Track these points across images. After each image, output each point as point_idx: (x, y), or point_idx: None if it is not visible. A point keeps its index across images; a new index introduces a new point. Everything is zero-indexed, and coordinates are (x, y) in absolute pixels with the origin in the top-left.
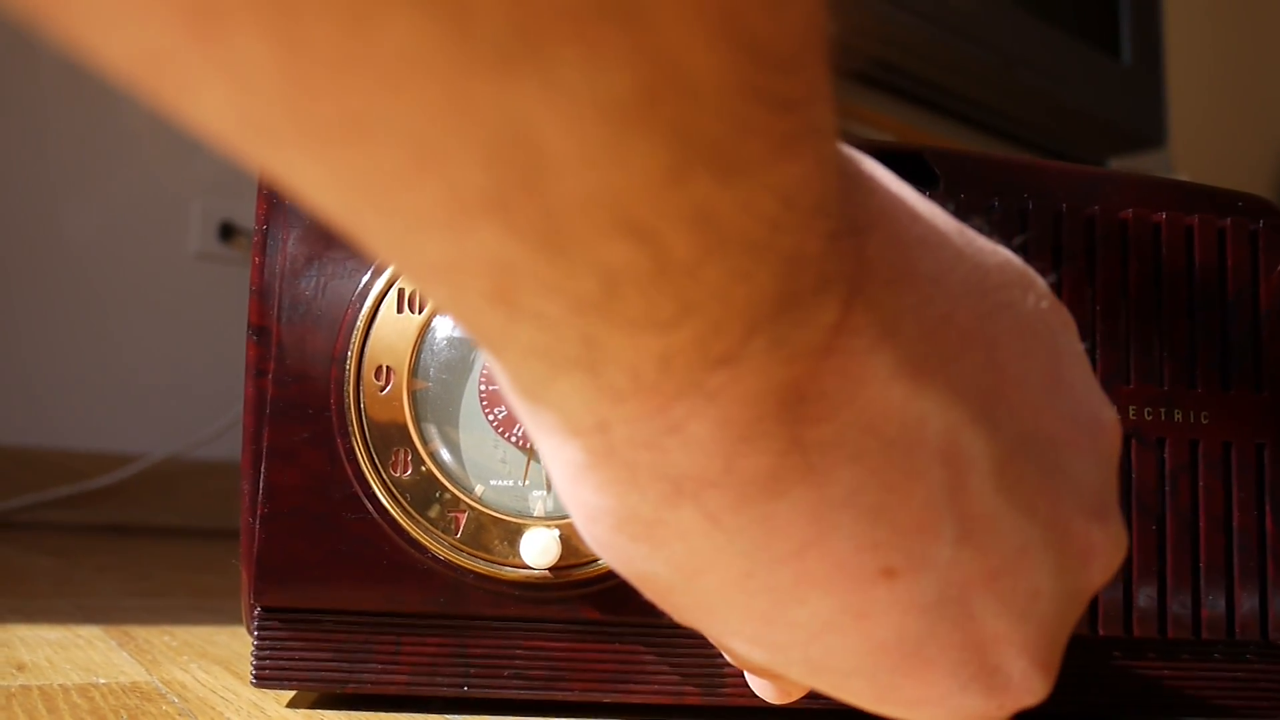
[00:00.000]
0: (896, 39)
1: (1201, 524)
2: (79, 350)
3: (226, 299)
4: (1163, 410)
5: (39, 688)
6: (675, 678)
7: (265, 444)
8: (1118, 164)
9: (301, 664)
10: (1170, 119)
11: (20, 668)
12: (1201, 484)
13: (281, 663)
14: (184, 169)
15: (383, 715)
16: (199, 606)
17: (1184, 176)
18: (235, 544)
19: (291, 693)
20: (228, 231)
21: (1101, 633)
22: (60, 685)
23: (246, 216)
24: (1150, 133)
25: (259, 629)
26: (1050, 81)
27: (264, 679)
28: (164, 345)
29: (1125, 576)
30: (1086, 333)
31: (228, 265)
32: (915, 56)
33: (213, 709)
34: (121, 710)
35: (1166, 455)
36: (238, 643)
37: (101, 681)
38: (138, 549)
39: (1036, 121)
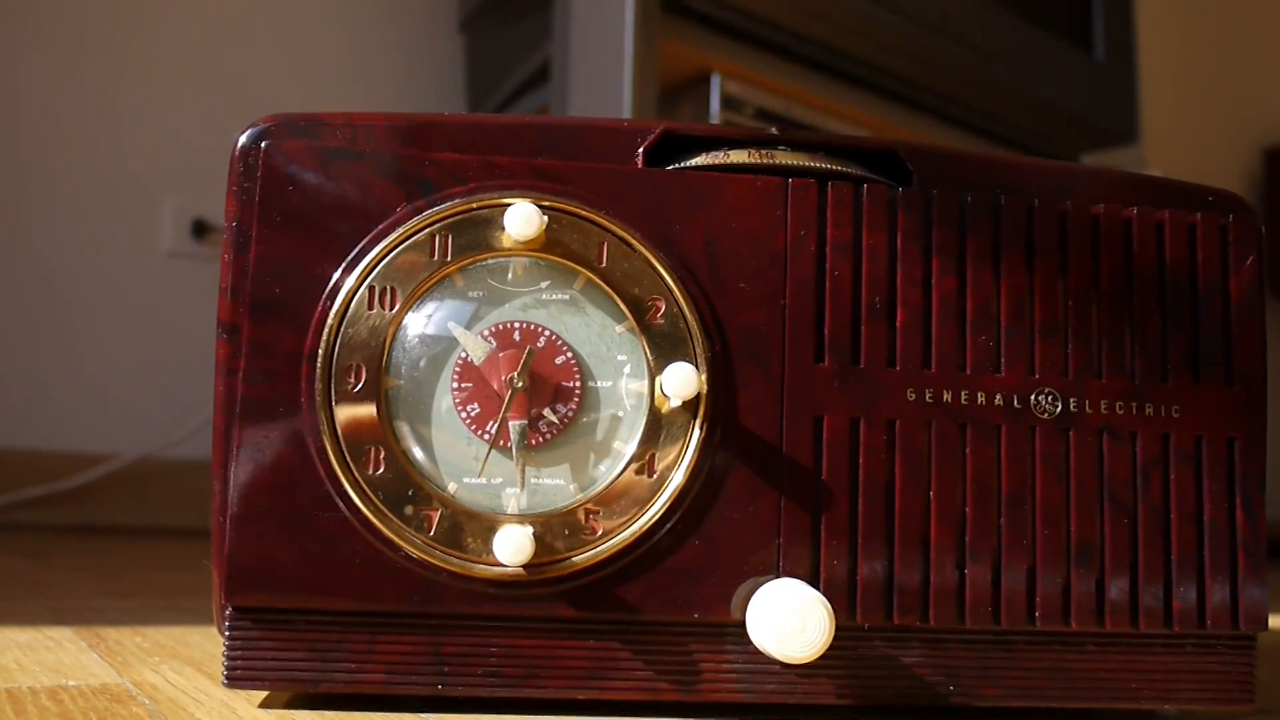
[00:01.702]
0: (873, 35)
1: (1173, 517)
2: (50, 350)
3: (199, 297)
4: (1134, 404)
5: (7, 690)
6: (650, 674)
7: (236, 443)
8: (1091, 160)
9: (274, 664)
10: (1143, 115)
11: None
12: (1173, 477)
13: (253, 663)
14: (156, 166)
15: (357, 715)
16: (172, 606)
17: (1157, 172)
18: (209, 543)
19: (264, 693)
20: (200, 229)
21: (1075, 626)
22: (29, 688)
23: (218, 213)
24: (1123, 128)
25: (230, 629)
26: (1025, 77)
27: (236, 679)
28: (136, 344)
29: (1099, 570)
30: (1059, 328)
31: (200, 263)
32: (892, 52)
33: (184, 710)
34: (91, 713)
35: (1138, 449)
36: (210, 643)
37: (71, 684)
38: (111, 549)
39: (1011, 117)
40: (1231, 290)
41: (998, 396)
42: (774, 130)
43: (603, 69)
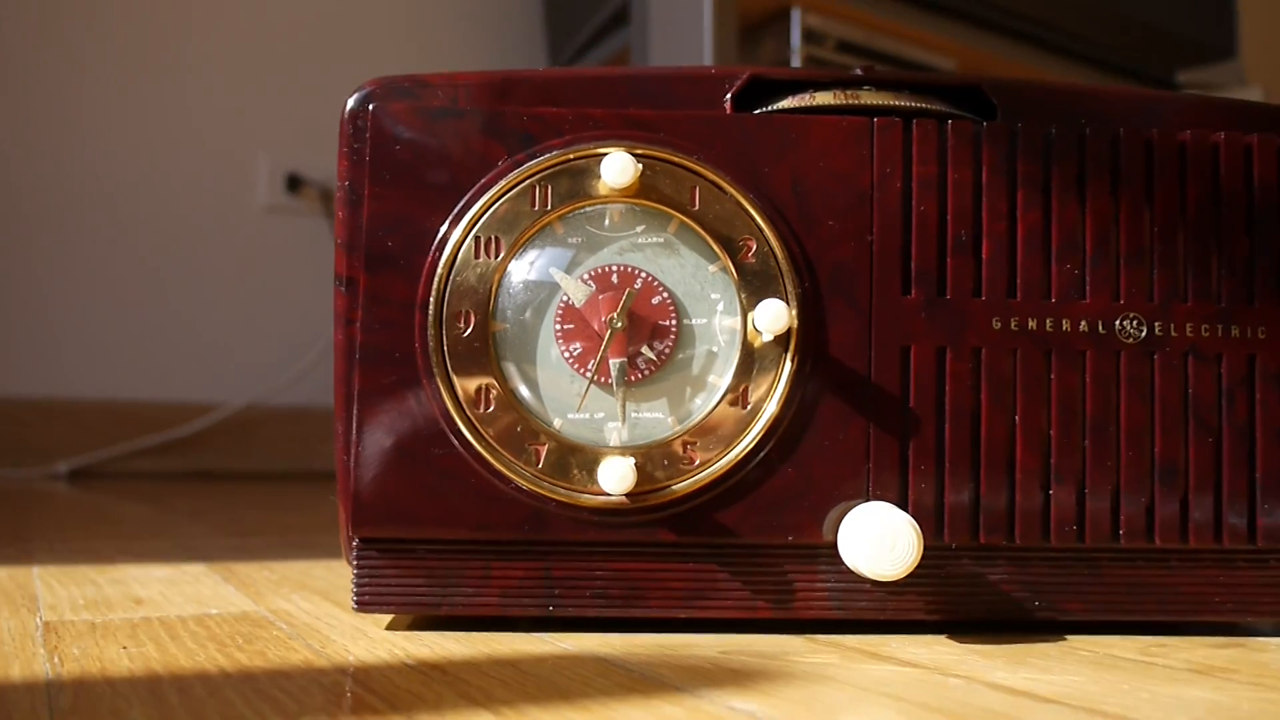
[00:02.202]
0: None
1: (1258, 436)
2: (156, 305)
3: (295, 250)
4: (1220, 327)
5: (159, 619)
6: (747, 593)
7: (356, 387)
8: (1188, 77)
9: (398, 590)
10: (1241, 29)
11: (138, 602)
12: (1259, 398)
13: (379, 589)
14: (250, 123)
15: (475, 634)
16: (291, 544)
17: (1256, 87)
18: (316, 485)
19: (390, 616)
20: (294, 183)
21: (1159, 543)
22: (178, 616)
23: (311, 168)
24: (1220, 44)
25: (358, 559)
26: None
27: (364, 604)
28: (237, 297)
29: (1183, 489)
30: (1145, 254)
31: (295, 217)
32: None
33: (319, 633)
34: (237, 636)
35: (1224, 371)
36: (333, 575)
37: (214, 612)
38: (224, 494)
39: (1104, 39)
40: None
41: (1082, 323)
42: (858, 71)
43: (682, 8)
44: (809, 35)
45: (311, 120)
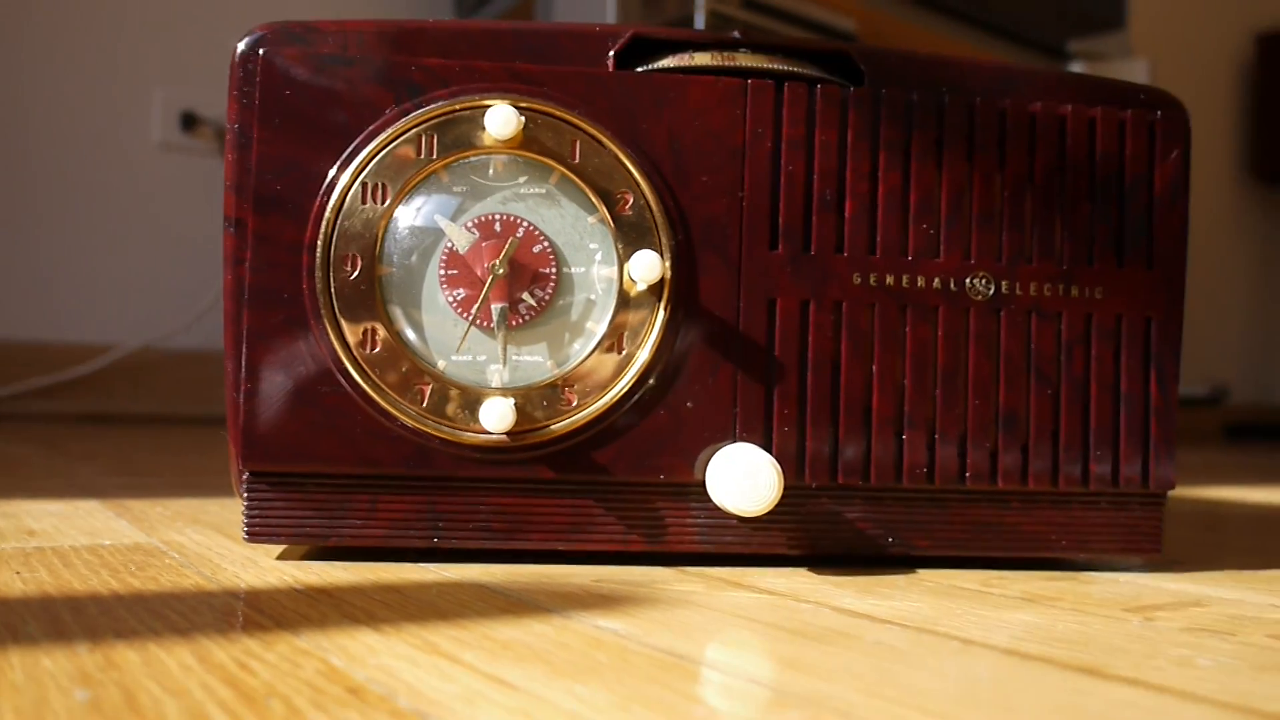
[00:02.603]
0: None
1: (1093, 389)
2: (49, 243)
3: (191, 190)
4: (1061, 286)
5: (52, 549)
6: (621, 528)
7: (245, 327)
8: (1078, 46)
9: (288, 522)
10: (1129, 2)
11: (31, 534)
12: (1094, 353)
13: (270, 521)
14: (145, 58)
15: (362, 565)
16: (184, 484)
17: (1142, 58)
18: (211, 429)
19: (280, 547)
20: (189, 121)
21: (1001, 485)
22: (70, 546)
23: (207, 105)
24: (1109, 15)
25: (248, 492)
26: None
27: (255, 535)
28: (131, 236)
29: (1024, 436)
30: (995, 217)
31: (190, 155)
32: None
33: (210, 562)
34: (130, 564)
35: (1063, 327)
36: (226, 511)
37: (107, 543)
38: (118, 436)
39: (999, 5)
40: (1156, 182)
41: (936, 280)
42: (735, 34)
43: None
44: None
45: (209, 58)
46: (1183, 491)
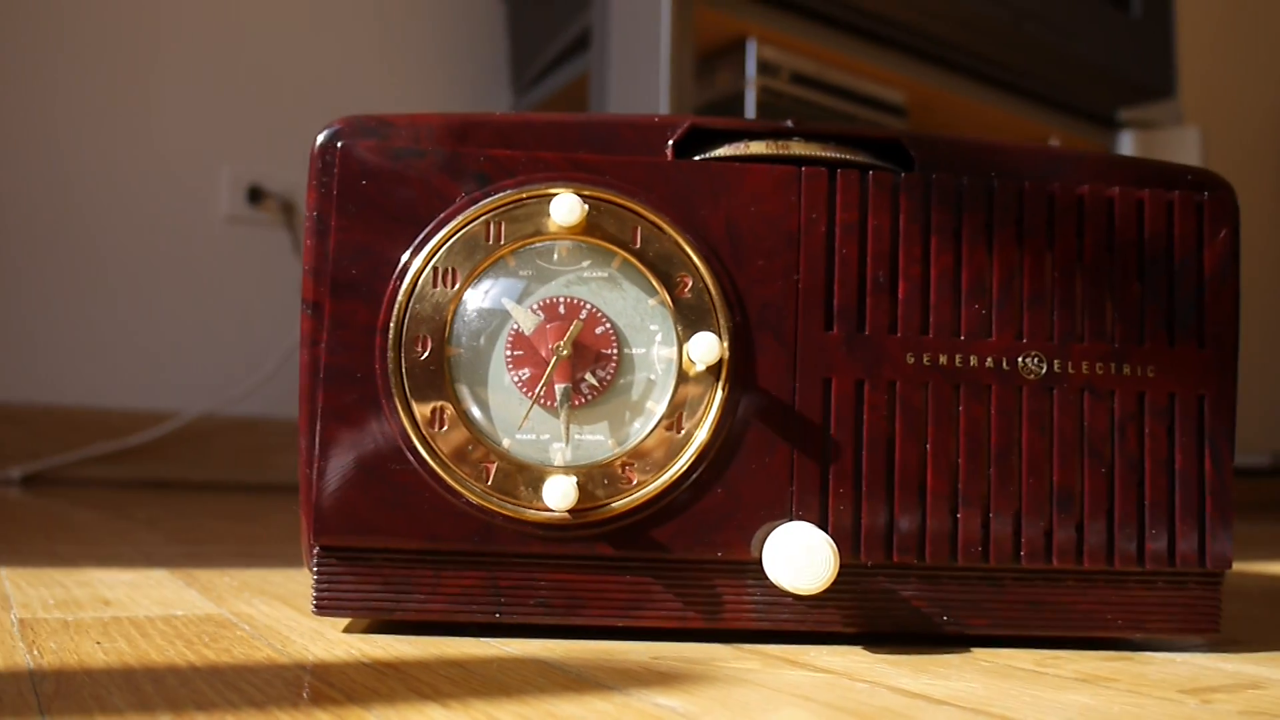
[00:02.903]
0: None
1: (1147, 467)
2: (116, 313)
3: (255, 260)
4: (1113, 365)
5: (128, 618)
6: (679, 604)
7: (320, 405)
8: (1129, 114)
9: (355, 595)
10: (1179, 70)
11: (106, 603)
12: (1148, 431)
13: (337, 594)
14: (213, 134)
15: (426, 638)
16: (246, 553)
17: (1194, 126)
18: (271, 497)
19: (346, 620)
20: (255, 195)
21: (1056, 564)
22: (146, 616)
23: (273, 179)
24: (1160, 84)
25: (318, 565)
26: (1060, 35)
27: (323, 608)
28: (197, 306)
29: (1079, 514)
30: (1046, 297)
31: (256, 227)
32: (924, 12)
33: (279, 634)
34: (203, 635)
35: (1116, 405)
36: (291, 582)
37: (179, 614)
38: (178, 502)
39: (1047, 75)
40: (1206, 261)
41: (989, 359)
42: (789, 123)
43: (640, 37)
44: (763, 66)
45: (274, 132)
46: (1244, 567)
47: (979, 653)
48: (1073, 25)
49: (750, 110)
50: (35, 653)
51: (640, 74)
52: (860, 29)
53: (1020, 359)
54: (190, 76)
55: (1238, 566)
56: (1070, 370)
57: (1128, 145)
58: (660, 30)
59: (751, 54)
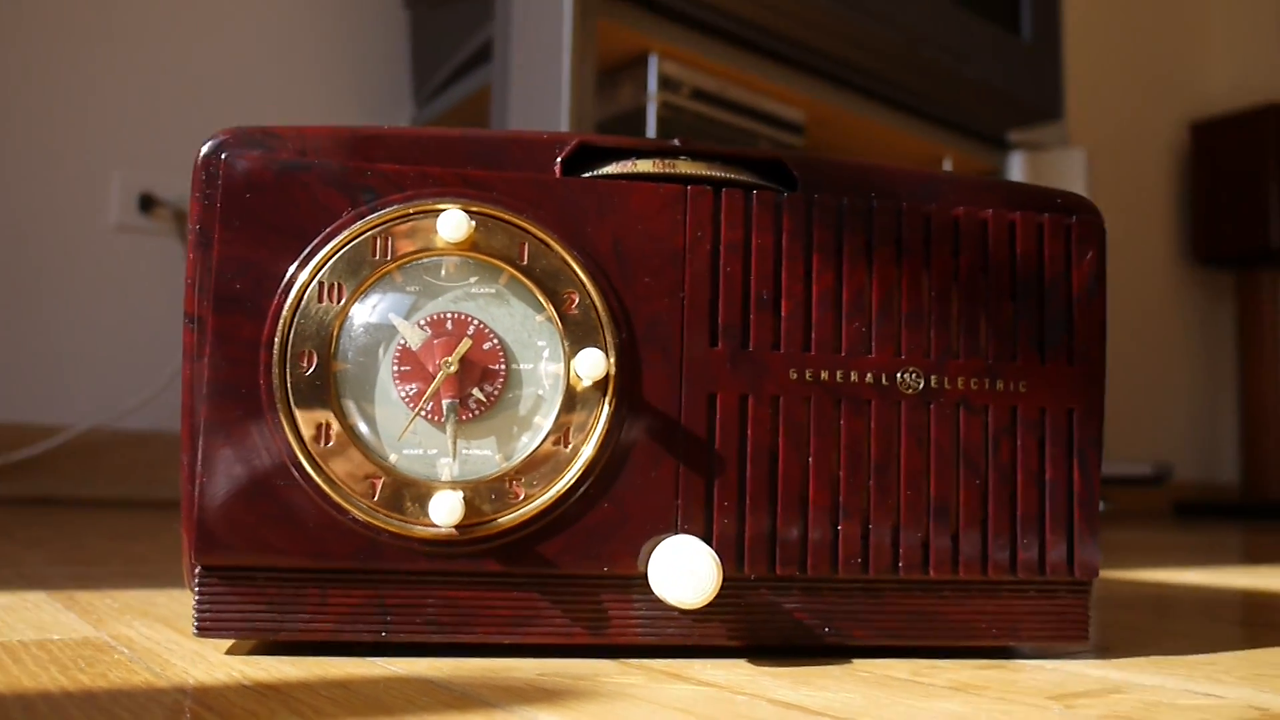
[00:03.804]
0: (805, 15)
1: (1019, 479)
2: (1, 324)
3: (146, 271)
4: (987, 380)
5: (37, 642)
6: (566, 620)
7: (203, 420)
8: (1018, 135)
9: (238, 616)
10: (1068, 93)
11: None
12: (1020, 444)
13: (220, 615)
14: (104, 140)
15: (311, 659)
16: (133, 573)
17: (1080, 148)
18: (161, 514)
19: (229, 641)
20: (147, 203)
21: (933, 575)
22: (19, 641)
23: (165, 187)
24: (1048, 106)
25: (199, 586)
26: (953, 57)
27: (205, 629)
28: (85, 317)
29: (954, 525)
30: (923, 315)
31: (147, 236)
32: (824, 33)
33: (159, 657)
34: (79, 660)
35: (990, 419)
36: (175, 603)
37: (56, 638)
38: (66, 520)
39: (941, 96)
40: (1074, 281)
41: (868, 375)
42: (676, 142)
43: (543, 49)
44: (665, 82)
45: (168, 141)
46: (1122, 574)
47: (859, 663)
48: (966, 48)
49: (651, 125)
50: None
51: (542, 87)
52: (761, 47)
53: (899, 374)
54: (82, 80)
55: (1116, 573)
56: (947, 385)
57: (1017, 166)
58: (562, 43)
59: (653, 69)
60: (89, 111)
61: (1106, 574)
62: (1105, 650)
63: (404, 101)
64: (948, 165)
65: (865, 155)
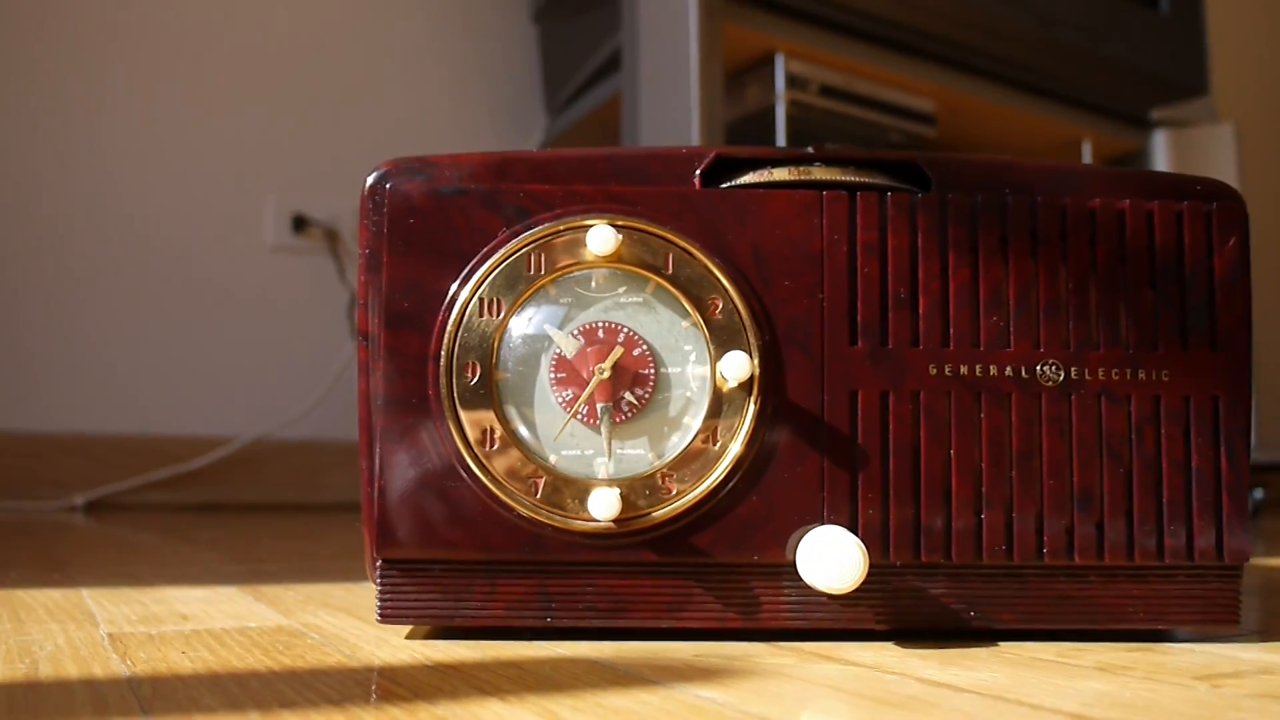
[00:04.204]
0: (932, 5)
1: (1164, 467)
2: (168, 342)
3: (300, 288)
4: (1129, 370)
5: (206, 631)
6: (719, 606)
7: (379, 429)
8: (1161, 114)
9: (416, 604)
10: (1212, 67)
11: (184, 617)
12: (1164, 432)
13: (400, 604)
14: (258, 165)
15: (483, 642)
16: (308, 569)
17: (1228, 123)
18: (323, 516)
19: (408, 628)
20: (299, 223)
21: (1078, 560)
22: (222, 629)
23: (316, 209)
24: (1192, 82)
25: (381, 577)
26: (1088, 37)
27: (387, 616)
28: (245, 334)
29: (1099, 513)
30: (1061, 307)
31: (300, 255)
32: (950, 20)
33: (348, 642)
34: (277, 644)
35: (1133, 409)
36: (351, 595)
37: (253, 625)
38: (236, 524)
39: (1076, 77)
40: (1216, 268)
41: (1008, 368)
42: (810, 150)
43: (670, 55)
44: (792, 80)
45: (316, 163)
46: (1275, 561)
47: (1005, 646)
48: (1100, 26)
49: (781, 124)
50: (129, 662)
51: (671, 93)
52: (886, 39)
53: (1038, 367)
54: (236, 109)
55: (1268, 561)
56: (1087, 377)
57: (1160, 145)
58: (689, 49)
59: (780, 69)
60: (244, 137)
61: (1268, 561)
62: (1256, 635)
63: (537, 113)
64: (1087, 148)
65: (1000, 142)
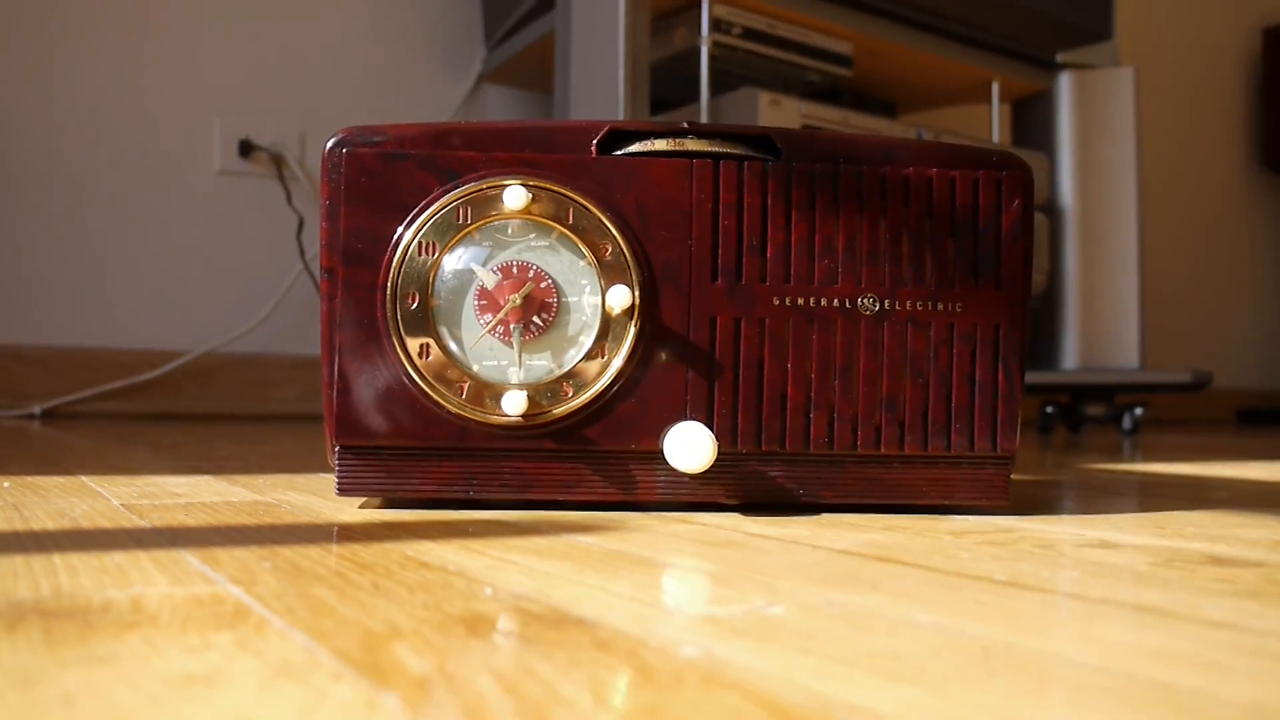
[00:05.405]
0: None
1: (955, 379)
2: (122, 261)
3: (247, 209)
4: (931, 303)
5: (199, 503)
6: (603, 483)
7: (338, 344)
8: (1066, 57)
9: (366, 480)
10: (1116, 13)
11: (177, 495)
12: (955, 352)
13: (354, 480)
14: (206, 90)
15: (419, 511)
16: (268, 465)
17: (1129, 68)
18: (270, 425)
19: (360, 500)
20: (245, 148)
21: (883, 450)
22: (210, 502)
23: (261, 133)
24: (1097, 27)
25: (339, 460)
26: None
27: (344, 490)
28: (196, 253)
29: (902, 414)
30: (879, 254)
31: (247, 178)
32: None
33: (314, 510)
34: (258, 510)
35: (932, 334)
36: (312, 482)
37: (235, 500)
38: (189, 431)
39: (988, 21)
40: (1004, 224)
41: (835, 301)
42: (684, 124)
43: None
44: (716, 24)
45: (261, 88)
46: (1131, 466)
47: (825, 516)
48: None
49: (704, 65)
50: (146, 520)
51: (600, 32)
52: None
53: (859, 300)
54: (185, 36)
55: (1131, 466)
56: (898, 308)
57: (1065, 86)
58: None
59: (705, 12)
60: (191, 65)
61: (1107, 466)
62: (1026, 511)
63: (476, 46)
64: (995, 90)
65: (914, 82)
